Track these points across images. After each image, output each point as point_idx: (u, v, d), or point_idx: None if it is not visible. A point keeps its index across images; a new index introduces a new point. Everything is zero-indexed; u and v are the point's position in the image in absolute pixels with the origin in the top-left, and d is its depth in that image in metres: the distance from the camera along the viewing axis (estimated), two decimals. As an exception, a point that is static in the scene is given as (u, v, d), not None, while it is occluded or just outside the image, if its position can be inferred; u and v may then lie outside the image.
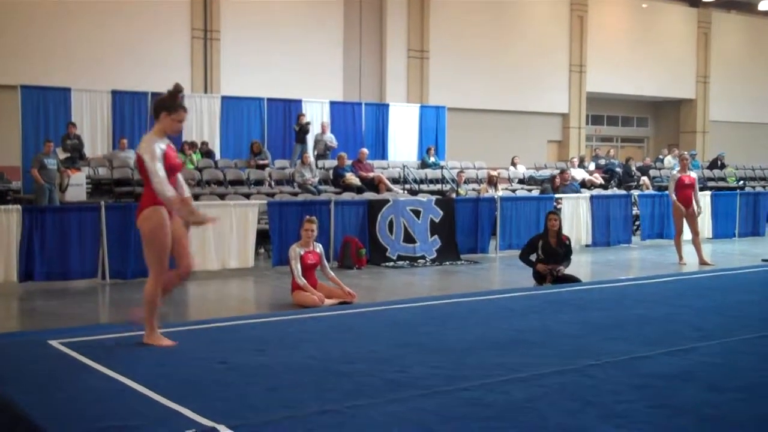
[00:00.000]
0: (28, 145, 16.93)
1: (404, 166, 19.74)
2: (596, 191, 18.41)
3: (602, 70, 31.11)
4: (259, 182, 17.33)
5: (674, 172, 13.79)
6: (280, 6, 24.36)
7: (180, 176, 6.38)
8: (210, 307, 9.65)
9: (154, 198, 5.98)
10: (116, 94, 18.47)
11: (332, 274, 9.45)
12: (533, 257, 10.57)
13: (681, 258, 13.20)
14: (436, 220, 13.53)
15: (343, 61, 25.74)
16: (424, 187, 19.09)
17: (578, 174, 20.97)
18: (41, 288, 10.30)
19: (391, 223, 13.13)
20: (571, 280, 10.29)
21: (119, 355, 5.86)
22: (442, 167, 20.25)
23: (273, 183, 17.53)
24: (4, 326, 8.17)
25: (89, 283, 10.65)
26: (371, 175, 17.85)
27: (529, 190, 19.07)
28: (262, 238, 12.80)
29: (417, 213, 13.42)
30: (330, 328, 7.18)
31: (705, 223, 16.38)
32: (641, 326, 7.03)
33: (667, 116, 35.62)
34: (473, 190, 18.33)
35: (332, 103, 21.55)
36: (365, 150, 18.89)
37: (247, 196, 14.94)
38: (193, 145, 18.03)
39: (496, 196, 14.89)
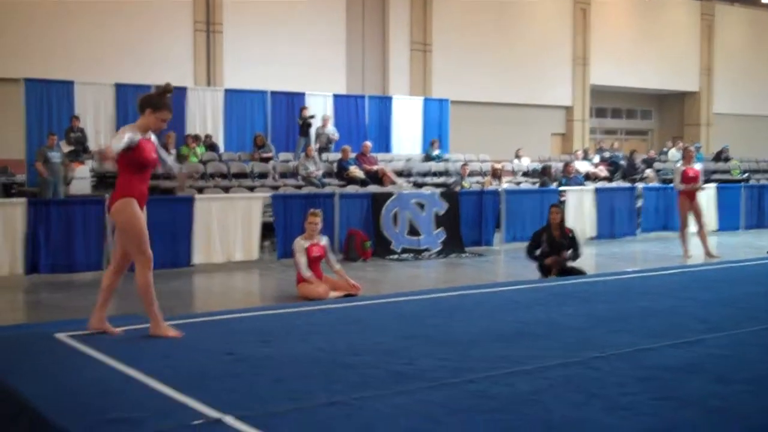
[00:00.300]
0: (32, 139, 16.94)
1: (408, 159, 19.72)
2: (601, 184, 18.39)
3: (606, 63, 31.04)
4: (263, 175, 17.33)
5: (678, 164, 13.77)
6: (283, -1, 24.34)
7: (163, 154, 6.49)
8: (215, 300, 9.67)
9: (124, 190, 6.03)
10: (120, 87, 18.45)
11: (338, 266, 9.47)
12: (539, 251, 10.57)
13: (686, 250, 13.19)
14: (441, 213, 13.53)
15: (346, 54, 25.71)
16: (428, 180, 19.08)
17: (582, 167, 20.96)
18: (47, 280, 10.32)
19: (395, 216, 13.14)
20: (576, 272, 10.29)
21: (125, 346, 5.87)
22: (446, 160, 20.24)
23: (277, 176, 17.53)
24: (10, 318, 8.19)
25: (94, 275, 10.66)
26: (375, 168, 17.85)
27: (534, 183, 19.05)
28: (267, 231, 12.82)
29: (421, 206, 13.43)
30: (336, 320, 7.19)
31: (710, 215, 16.35)
32: (646, 318, 7.03)
33: (671, 109, 35.54)
34: (477, 183, 18.33)
35: (336, 96, 21.53)
36: (369, 143, 18.89)
37: (251, 189, 14.96)
38: (196, 138, 18.03)
39: (500, 189, 14.89)
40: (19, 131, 17.21)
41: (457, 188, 16.65)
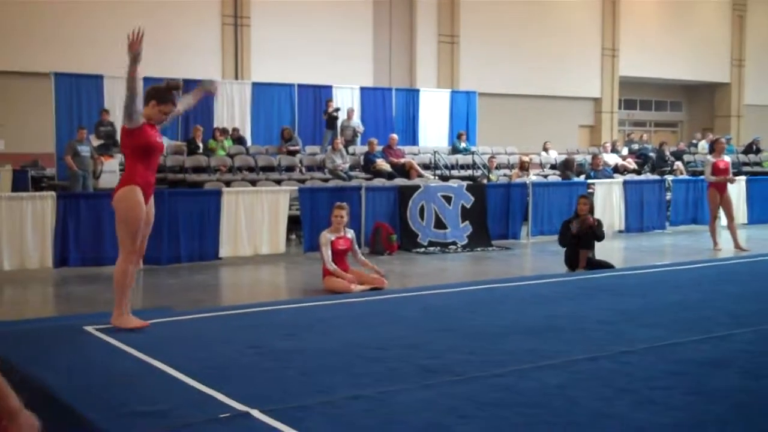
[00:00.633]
0: (62, 133, 17.09)
1: (435, 152, 19.69)
2: (629, 176, 18.24)
3: (635, 54, 30.77)
4: (290, 168, 17.37)
5: (709, 157, 13.62)
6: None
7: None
8: (242, 293, 9.71)
9: (128, 178, 6.07)
10: (148, 81, 18.44)
11: (363, 258, 9.48)
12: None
13: (716, 244, 13.05)
14: (468, 206, 13.48)
15: (373, 47, 25.69)
16: (455, 172, 19.03)
17: (611, 159, 20.81)
18: (76, 273, 10.40)
19: (422, 209, 13.11)
20: (604, 266, 10.22)
21: (153, 339, 5.90)
22: (473, 153, 20.18)
23: (304, 169, 17.57)
24: (39, 311, 8.28)
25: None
26: (402, 160, 17.83)
27: (560, 176, 18.93)
28: (294, 224, 12.84)
29: (448, 199, 13.38)
30: (362, 313, 7.19)
31: (740, 208, 16.16)
32: (675, 312, 6.96)
33: (701, 100, 35.17)
34: (505, 175, 18.25)
35: (362, 89, 21.53)
36: (395, 136, 18.87)
37: (279, 182, 14.99)
38: (224, 131, 18.11)
39: (527, 182, 14.81)
40: (48, 125, 17.37)
41: (484, 181, 16.58)
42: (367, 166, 17.45)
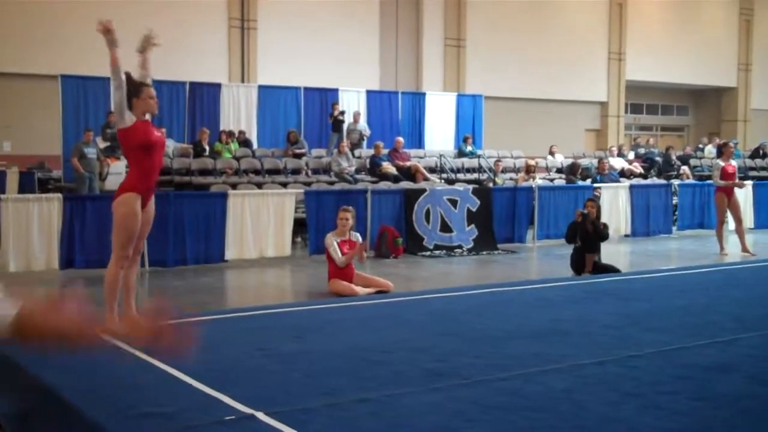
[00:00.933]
0: (69, 135, 17.11)
1: (441, 155, 19.69)
2: (636, 180, 18.22)
3: (642, 58, 30.73)
4: (296, 171, 17.38)
5: (718, 161, 13.59)
6: (316, -5, 24.38)
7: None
8: (248, 295, 9.72)
9: (129, 184, 6.08)
10: (155, 84, 18.50)
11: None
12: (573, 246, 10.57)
13: (722, 248, 13.02)
14: (473, 210, 13.47)
15: (379, 50, 25.70)
16: (460, 176, 19.02)
17: (617, 163, 20.78)
18: (82, 275, 10.41)
19: (427, 213, 13.10)
20: (611, 270, 10.20)
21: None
22: (479, 156, 20.16)
23: (310, 172, 17.58)
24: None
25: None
26: (408, 164, 17.83)
27: (565, 180, 18.92)
28: (299, 227, 12.84)
29: (454, 202, 13.37)
30: (367, 316, 7.18)
31: (747, 213, 16.12)
32: (681, 317, 6.94)
33: (708, 105, 35.11)
34: (510, 179, 18.23)
35: (369, 92, 21.53)
36: (401, 139, 18.87)
37: (284, 185, 15.00)
38: (230, 134, 18.13)
39: (533, 185, 14.80)
40: (55, 127, 17.40)
41: (490, 184, 16.57)
42: (373, 169, 17.45)
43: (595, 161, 19.96)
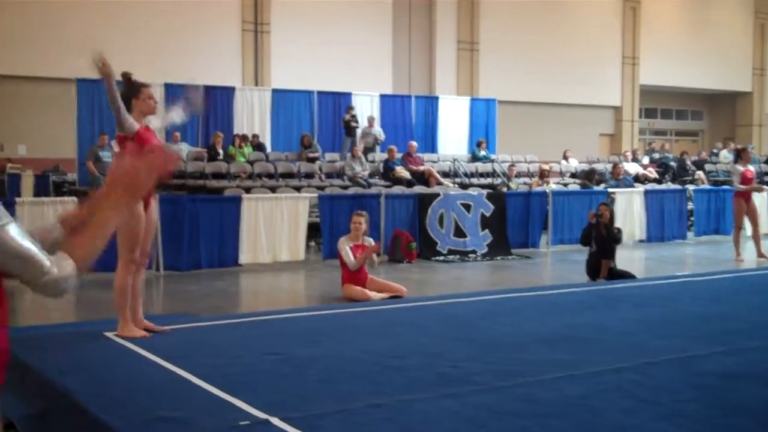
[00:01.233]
0: (84, 138, 17.19)
1: (454, 160, 19.67)
2: (650, 186, 18.15)
3: (656, 63, 30.62)
4: (309, 175, 17.39)
5: (737, 165, 13.51)
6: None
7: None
8: (262, 300, 9.73)
9: None
10: (169, 87, 18.64)
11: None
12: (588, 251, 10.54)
13: (738, 254, 12.95)
14: (487, 215, 13.45)
15: (392, 54, 25.72)
16: (474, 180, 18.99)
17: (632, 168, 20.71)
18: (97, 279, 10.38)
19: (441, 217, 13.09)
20: (626, 276, 10.16)
21: (174, 345, 5.91)
22: (492, 161, 20.13)
23: (323, 176, 17.59)
24: (59, 317, 8.31)
25: (144, 274, 10.74)
26: (421, 168, 17.82)
27: (579, 185, 18.87)
28: (313, 231, 12.85)
29: (467, 207, 13.36)
30: (381, 321, 7.18)
31: (763, 218, 16.02)
32: (697, 324, 6.90)
33: (723, 109, 34.95)
34: (524, 184, 18.20)
35: (382, 96, 21.54)
36: (414, 143, 18.86)
37: (298, 189, 15.02)
38: (244, 138, 18.16)
39: (547, 190, 14.76)
40: (71, 131, 17.48)
41: (504, 189, 16.54)
42: (387, 173, 17.45)
43: (609, 166, 19.91)
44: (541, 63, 27.94)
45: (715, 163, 24.12)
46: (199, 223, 11.20)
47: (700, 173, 21.49)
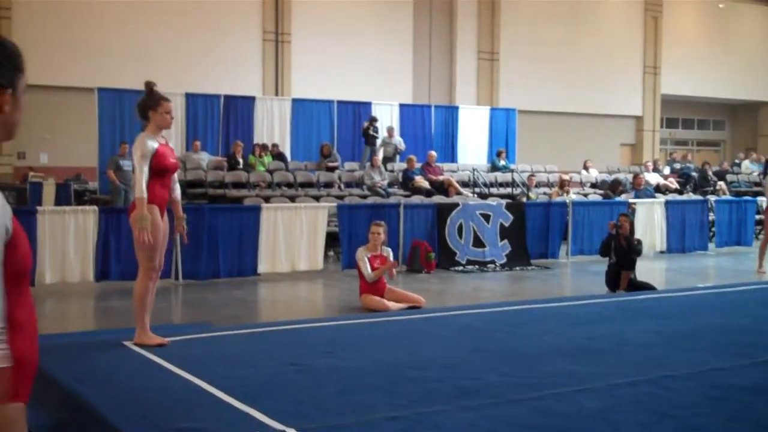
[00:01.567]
0: (105, 147, 17.31)
1: (474, 170, 19.64)
2: (671, 196, 18.04)
3: (677, 72, 30.48)
4: (329, 185, 17.42)
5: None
6: (350, 8, 24.49)
7: (175, 177, 6.51)
8: (280, 309, 9.73)
9: (147, 197, 6.08)
10: (190, 97, 18.75)
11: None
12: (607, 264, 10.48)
13: (761, 266, 12.83)
14: (506, 225, 13.40)
15: (413, 63, 25.74)
16: (494, 190, 18.95)
17: (653, 178, 20.59)
18: (117, 287, 10.49)
19: (460, 227, 13.06)
20: (645, 287, 10.09)
21: (192, 355, 5.93)
22: (512, 171, 20.08)
23: (342, 185, 17.61)
24: (80, 325, 8.36)
25: (163, 283, 10.72)
26: (441, 178, 17.80)
27: (602, 195, 18.78)
28: (332, 240, 12.86)
29: (487, 217, 13.32)
30: (399, 332, 7.16)
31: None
32: (718, 336, 6.84)
33: (745, 119, 34.72)
34: (544, 194, 18.14)
35: (402, 106, 21.55)
36: (434, 153, 18.85)
37: (317, 198, 15.04)
38: (264, 147, 18.22)
39: (567, 201, 14.70)
40: (92, 139, 17.61)
41: (524, 199, 16.49)
42: (406, 183, 17.45)
43: (630, 176, 19.80)
44: (562, 73, 27.87)
45: (737, 174, 23.96)
46: (218, 232, 11.24)
47: (721, 184, 21.35)
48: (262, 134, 19.35)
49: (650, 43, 30.23)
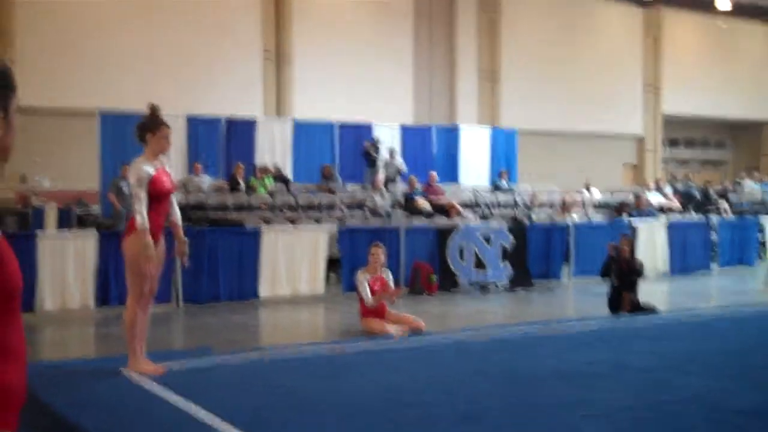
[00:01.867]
0: (106, 170, 17.28)
1: (475, 191, 19.62)
2: (674, 217, 18.01)
3: (679, 92, 30.50)
4: (330, 207, 17.39)
5: None
6: (350, 28, 24.58)
7: (173, 199, 6.47)
8: (280, 333, 9.69)
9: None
10: (191, 120, 18.77)
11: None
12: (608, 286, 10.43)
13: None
14: (508, 246, 13.37)
15: (413, 83, 25.80)
16: (495, 211, 18.91)
17: (655, 198, 20.56)
18: (117, 313, 10.41)
19: (461, 249, 13.02)
20: (647, 309, 10.04)
21: (190, 381, 5.89)
22: (514, 191, 20.06)
23: (344, 207, 17.58)
24: (78, 352, 8.32)
25: (163, 308, 10.74)
26: (442, 199, 17.79)
27: (604, 216, 18.75)
28: (333, 263, 12.82)
29: (488, 239, 13.29)
30: (399, 356, 7.13)
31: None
32: (719, 359, 6.80)
33: (747, 138, 34.71)
34: (546, 214, 18.11)
35: (403, 128, 21.56)
36: (434, 174, 18.84)
37: (318, 220, 15.02)
38: (265, 170, 18.22)
39: (569, 222, 14.67)
40: (93, 162, 17.61)
41: (525, 220, 16.47)
42: (408, 204, 17.43)
43: (632, 196, 19.77)
44: (563, 93, 27.91)
45: (739, 193, 23.90)
46: (218, 255, 11.23)
47: (723, 203, 21.30)
48: (263, 156, 19.35)
49: (650, 63, 30.30)
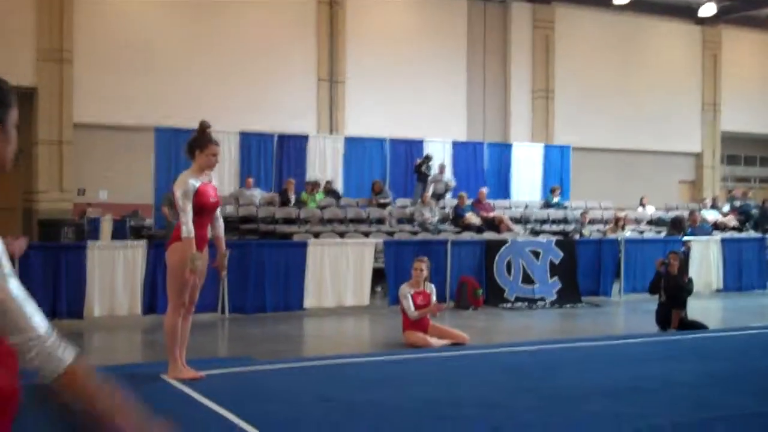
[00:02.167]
0: (161, 184, 17.56)
1: (526, 206, 19.49)
2: (728, 234, 17.64)
3: (738, 109, 29.91)
4: (380, 221, 17.43)
5: None
6: (404, 48, 24.61)
7: (218, 213, 6.53)
8: (323, 344, 9.69)
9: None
10: (244, 135, 19.02)
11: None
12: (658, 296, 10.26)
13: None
14: (556, 262, 13.21)
15: (467, 101, 25.72)
16: (546, 227, 18.75)
17: (710, 215, 20.19)
18: (163, 320, 10.57)
19: (509, 264, 12.91)
20: (697, 326, 9.82)
21: (228, 389, 5.92)
22: (564, 207, 19.86)
23: (394, 222, 17.59)
24: (124, 358, 8.42)
25: (209, 317, 10.84)
26: (491, 215, 17.69)
27: (658, 232, 18.44)
28: (380, 276, 12.81)
29: (536, 254, 13.15)
30: (440, 369, 7.08)
31: None
32: (765, 379, 6.61)
33: (809, 156, 33.87)
34: (598, 231, 17.88)
35: (454, 143, 21.53)
36: (484, 190, 18.75)
37: (366, 234, 15.03)
38: (316, 184, 18.34)
39: (619, 238, 14.46)
40: (149, 177, 17.93)
41: (576, 236, 16.27)
42: (457, 219, 17.37)
43: (686, 213, 19.43)
44: (618, 109, 27.57)
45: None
46: (265, 267, 11.29)
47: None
48: (314, 171, 19.49)
49: (709, 80, 29.79)
